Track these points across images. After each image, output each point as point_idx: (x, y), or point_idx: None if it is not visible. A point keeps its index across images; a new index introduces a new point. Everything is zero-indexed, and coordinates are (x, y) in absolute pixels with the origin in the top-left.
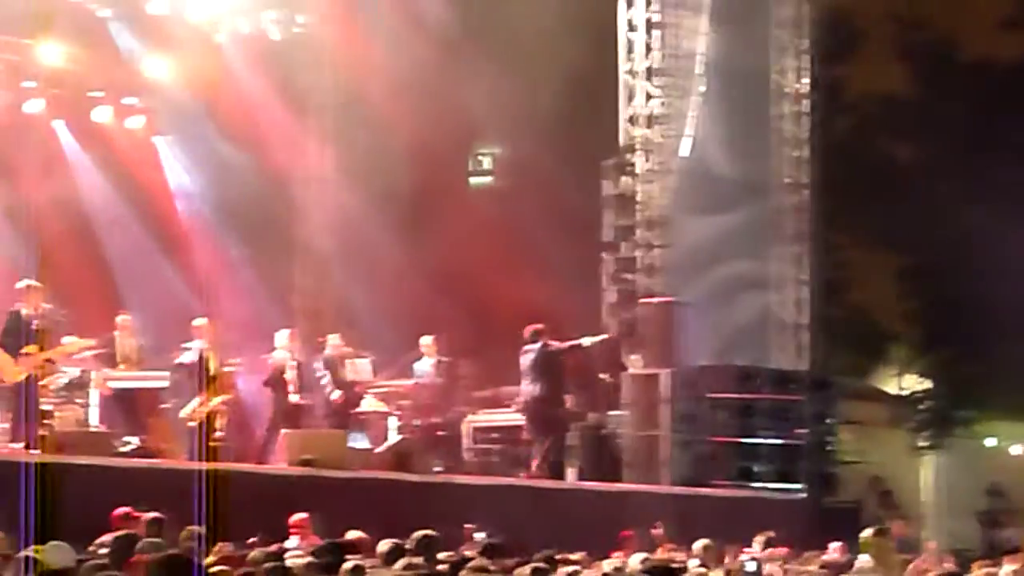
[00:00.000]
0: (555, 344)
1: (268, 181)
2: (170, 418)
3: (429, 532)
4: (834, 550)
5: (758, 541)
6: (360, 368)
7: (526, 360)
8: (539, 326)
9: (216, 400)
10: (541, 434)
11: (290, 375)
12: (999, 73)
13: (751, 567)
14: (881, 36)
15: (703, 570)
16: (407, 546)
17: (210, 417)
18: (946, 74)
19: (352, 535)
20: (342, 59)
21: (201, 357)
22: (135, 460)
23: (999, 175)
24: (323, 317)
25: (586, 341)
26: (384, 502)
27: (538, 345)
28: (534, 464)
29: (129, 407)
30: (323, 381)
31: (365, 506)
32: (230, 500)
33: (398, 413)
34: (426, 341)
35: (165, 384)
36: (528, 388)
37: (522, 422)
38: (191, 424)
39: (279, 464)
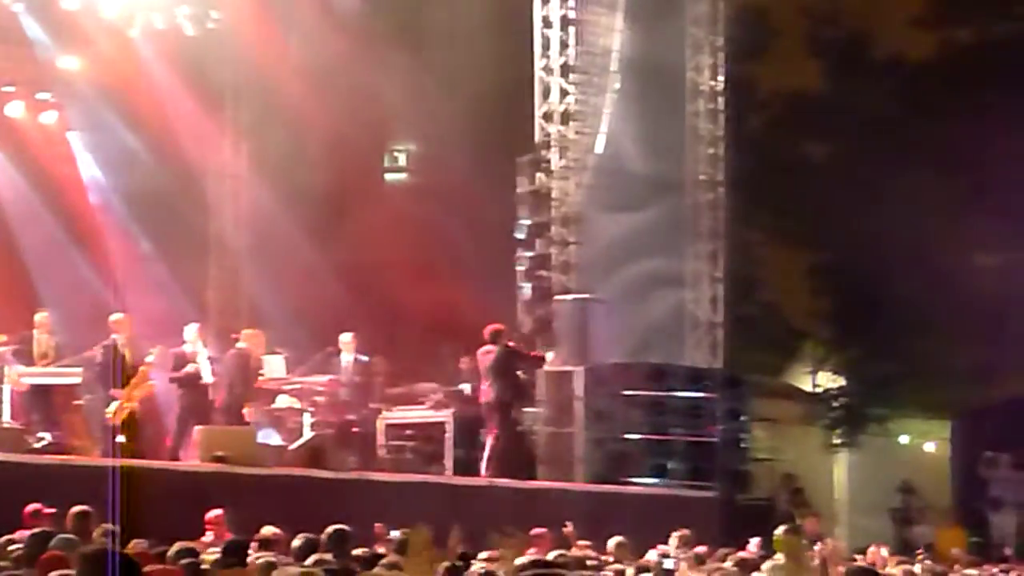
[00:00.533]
0: (515, 345)
1: (182, 176)
2: (84, 414)
3: (341, 528)
4: (753, 546)
5: (673, 538)
6: (273, 365)
7: (486, 360)
8: (499, 326)
9: (138, 394)
10: (500, 432)
11: (193, 368)
12: (910, 70)
13: (668, 564)
14: (794, 33)
15: (619, 567)
16: (320, 542)
17: (132, 414)
18: (858, 71)
19: (266, 531)
20: (257, 55)
21: (116, 352)
22: (48, 456)
23: (910, 172)
24: (236, 313)
25: (549, 355)
26: (298, 499)
27: (498, 347)
28: (485, 462)
29: (43, 403)
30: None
31: (279, 503)
32: (144, 497)
33: (311, 410)
34: (345, 338)
35: (79, 380)
36: (487, 388)
37: (437, 419)
38: (110, 421)
39: (192, 461)
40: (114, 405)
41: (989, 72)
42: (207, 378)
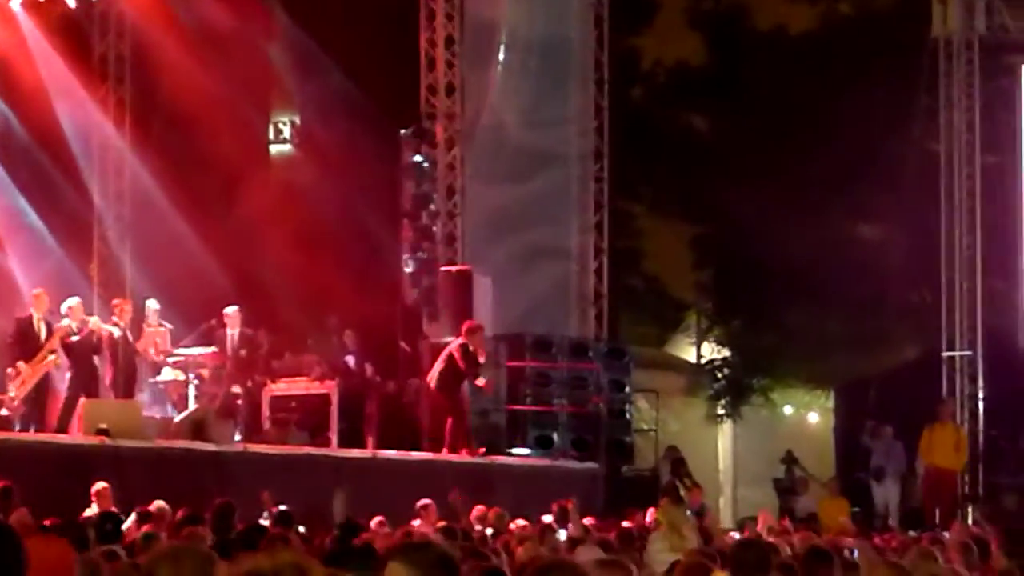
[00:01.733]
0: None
1: (64, 148)
2: None
3: (226, 501)
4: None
5: (556, 509)
6: (158, 337)
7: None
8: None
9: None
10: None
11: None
12: (791, 42)
13: (561, 536)
14: (677, 5)
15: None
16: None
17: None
18: (740, 44)
19: (153, 505)
20: (139, 24)
21: (32, 327)
22: None
23: (792, 144)
24: (120, 285)
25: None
26: (182, 472)
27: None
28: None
29: None
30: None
31: (163, 476)
32: (27, 471)
33: (196, 382)
34: (230, 311)
35: None
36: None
37: (322, 391)
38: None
39: (76, 434)
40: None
41: (870, 43)
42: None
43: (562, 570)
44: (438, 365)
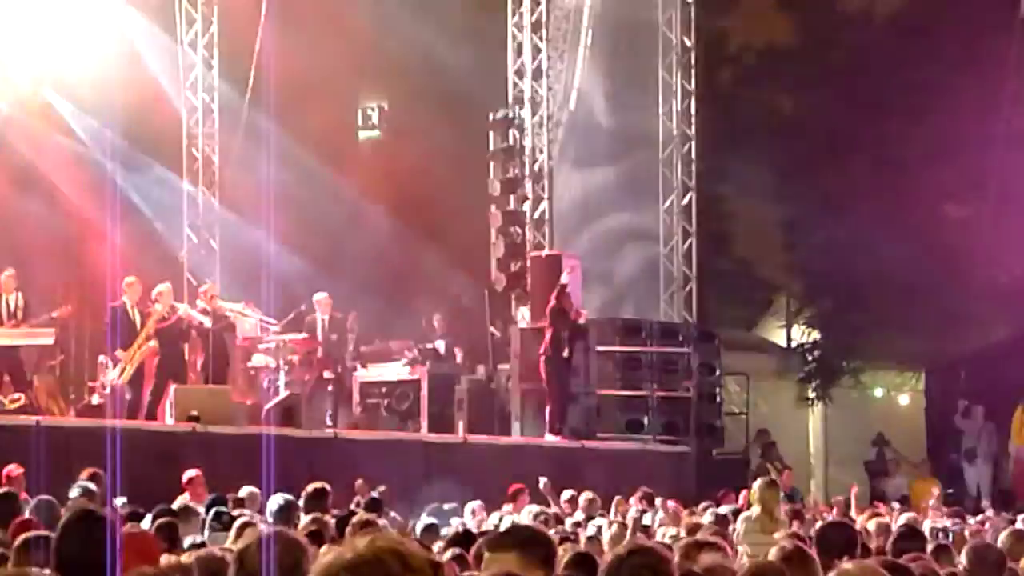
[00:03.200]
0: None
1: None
2: (55, 375)
3: (320, 486)
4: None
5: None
6: (248, 324)
7: None
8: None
9: (139, 356)
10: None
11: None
12: (878, 24)
13: (647, 520)
14: None
15: (603, 522)
16: (299, 502)
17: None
18: (828, 24)
19: (244, 491)
20: (228, 9)
21: (127, 315)
22: (19, 417)
23: (879, 124)
24: (210, 272)
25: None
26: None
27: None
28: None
29: (13, 365)
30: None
31: (253, 462)
32: (122, 457)
33: (286, 368)
34: (319, 296)
35: (50, 341)
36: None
37: (412, 376)
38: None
39: (167, 421)
40: (116, 370)
41: (959, 25)
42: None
43: (646, 554)
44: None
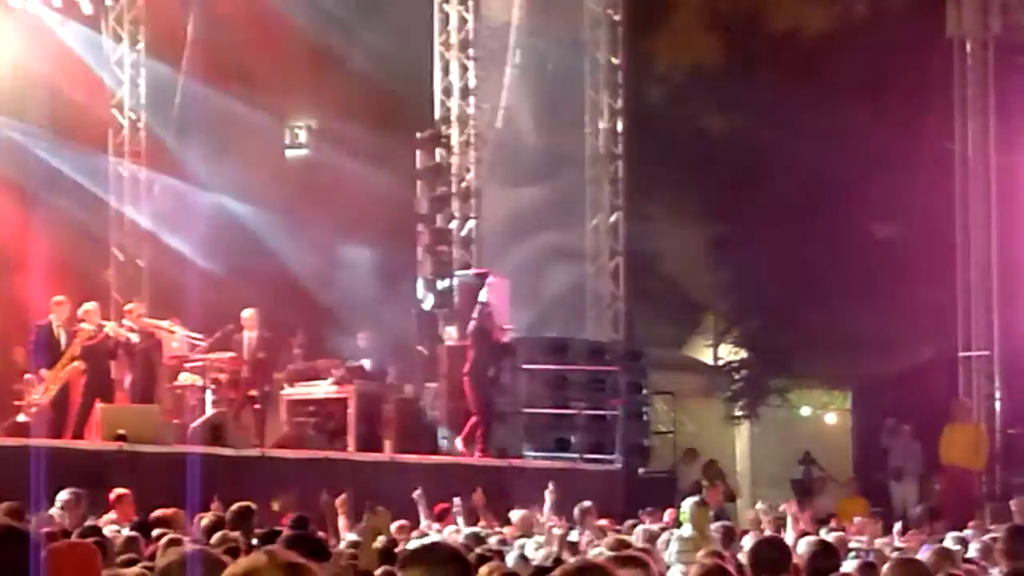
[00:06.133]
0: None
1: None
2: None
3: (245, 504)
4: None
5: (576, 511)
6: (175, 342)
7: None
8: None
9: (63, 376)
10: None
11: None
12: (806, 44)
13: (572, 537)
14: (691, 6)
15: (523, 540)
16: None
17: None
18: (755, 44)
19: (168, 510)
20: (153, 29)
21: (52, 334)
22: None
23: (806, 144)
24: (138, 291)
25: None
26: (200, 477)
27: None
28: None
29: None
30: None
31: (180, 481)
32: (46, 476)
33: (213, 387)
34: (247, 315)
35: None
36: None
37: (340, 395)
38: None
39: (94, 439)
40: (39, 389)
41: (885, 44)
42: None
43: (592, 571)
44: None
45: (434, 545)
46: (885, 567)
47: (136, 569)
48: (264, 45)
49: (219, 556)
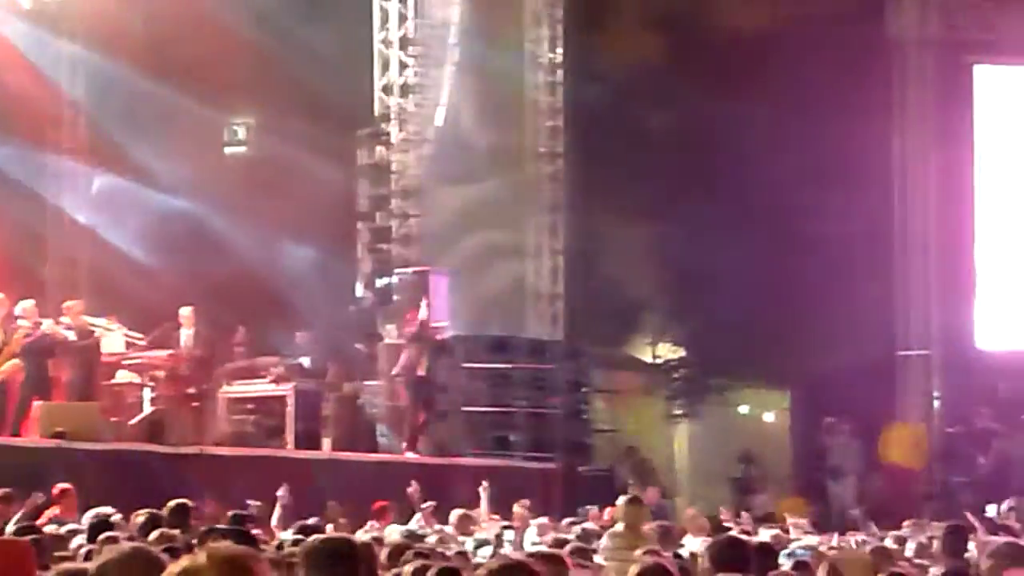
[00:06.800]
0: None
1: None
2: None
3: (182, 502)
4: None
5: (516, 509)
6: (112, 340)
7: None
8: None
9: (4, 369)
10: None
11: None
12: (748, 43)
13: (509, 536)
14: (632, 4)
15: (462, 538)
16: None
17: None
18: (697, 43)
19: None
20: (97, 27)
21: None
22: None
23: (747, 143)
24: (76, 288)
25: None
26: (138, 474)
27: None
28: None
29: None
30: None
31: (119, 478)
32: None
33: (151, 384)
34: (185, 312)
35: None
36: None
37: (278, 392)
38: None
39: (32, 437)
40: None
41: (826, 43)
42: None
43: (516, 570)
44: (401, 362)
45: (322, 542)
46: (822, 566)
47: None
48: (205, 42)
49: (157, 554)
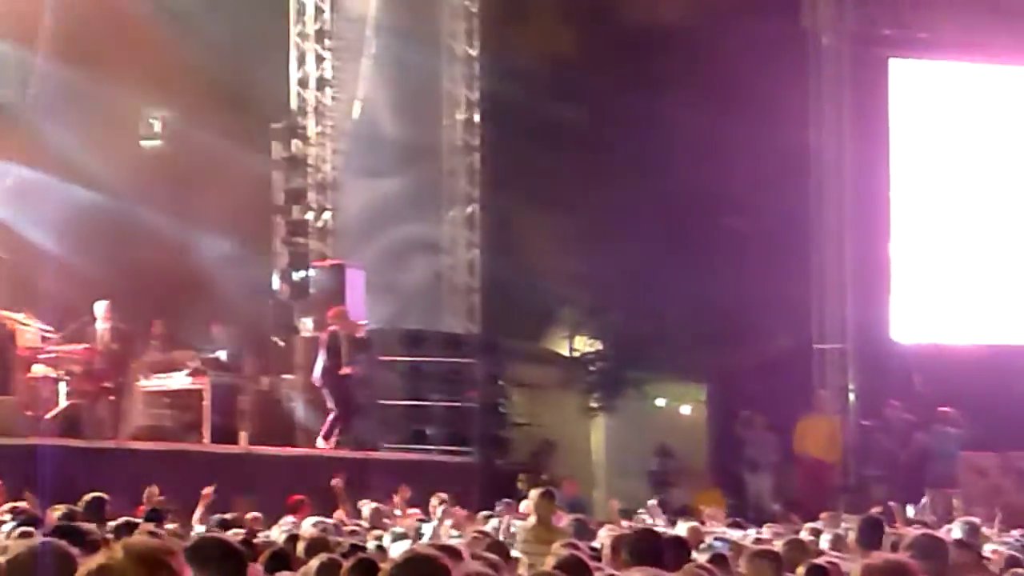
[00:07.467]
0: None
1: None
2: None
3: (97, 495)
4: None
5: (433, 503)
6: (28, 333)
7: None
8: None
9: None
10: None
11: None
12: (664, 37)
13: (427, 530)
14: None
15: (377, 532)
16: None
17: None
18: (613, 37)
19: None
20: (6, 18)
21: None
22: None
23: (662, 137)
24: None
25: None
26: (53, 469)
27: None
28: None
29: None
30: None
31: (34, 473)
32: None
33: (67, 379)
34: (100, 305)
35: None
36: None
37: (195, 386)
38: None
39: None
40: None
41: (741, 35)
42: None
43: (424, 562)
44: (319, 357)
45: (202, 542)
46: (742, 558)
47: None
48: (119, 34)
49: (68, 549)
